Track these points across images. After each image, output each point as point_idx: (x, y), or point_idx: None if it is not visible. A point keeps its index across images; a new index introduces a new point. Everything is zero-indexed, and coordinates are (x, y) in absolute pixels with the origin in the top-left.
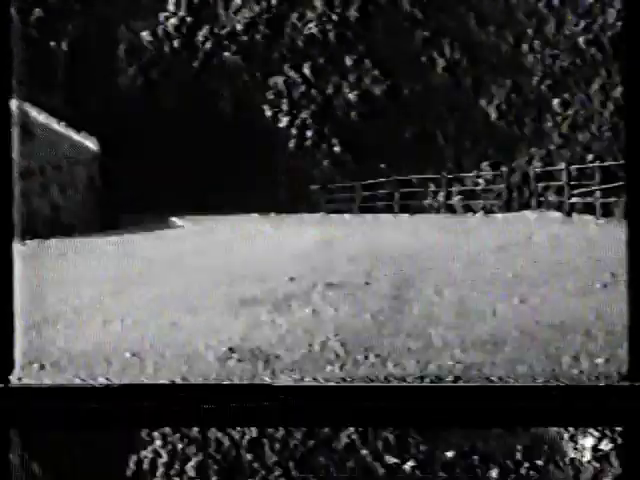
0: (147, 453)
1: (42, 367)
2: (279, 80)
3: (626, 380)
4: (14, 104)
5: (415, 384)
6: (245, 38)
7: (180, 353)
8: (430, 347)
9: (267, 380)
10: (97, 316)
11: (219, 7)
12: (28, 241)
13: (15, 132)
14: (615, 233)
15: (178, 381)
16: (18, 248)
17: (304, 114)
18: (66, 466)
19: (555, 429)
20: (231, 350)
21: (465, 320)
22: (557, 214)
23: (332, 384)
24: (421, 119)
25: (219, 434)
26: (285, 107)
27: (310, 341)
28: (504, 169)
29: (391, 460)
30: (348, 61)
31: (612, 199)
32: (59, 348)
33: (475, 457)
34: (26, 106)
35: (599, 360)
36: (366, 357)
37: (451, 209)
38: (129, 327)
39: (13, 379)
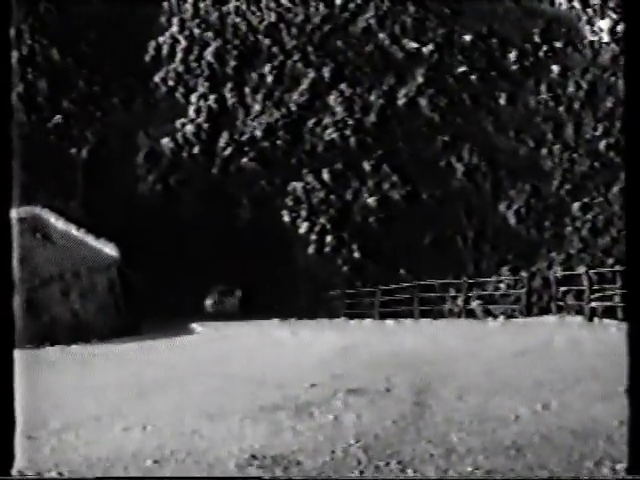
0: (165, 39)
1: (60, 474)
2: (298, 186)
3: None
4: (34, 210)
5: None
6: (265, 144)
7: (201, 460)
8: (452, 453)
9: None
10: (117, 423)
11: (239, 113)
12: (49, 347)
13: (35, 239)
14: None
15: None
16: (38, 355)
17: (323, 220)
18: None
19: (573, 11)
20: (253, 457)
21: (487, 426)
22: (578, 318)
23: None
24: (440, 224)
25: (238, 19)
26: (304, 213)
27: (332, 447)
28: (524, 274)
29: (410, 44)
30: (366, 166)
31: None
32: (79, 455)
33: (494, 40)
34: (45, 212)
35: (619, 466)
36: (387, 464)
37: (472, 314)
38: (149, 434)
39: None
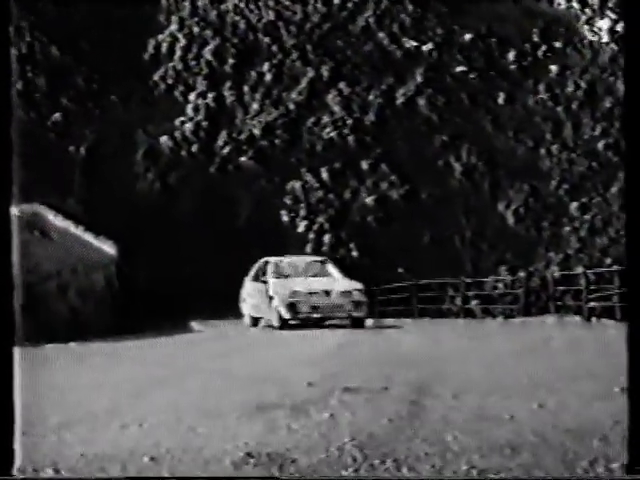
0: (164, 37)
1: (57, 472)
2: (297, 185)
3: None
4: (33, 208)
5: None
6: (264, 143)
7: (196, 457)
8: (447, 452)
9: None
10: (114, 420)
11: (237, 112)
12: (47, 345)
13: (33, 235)
14: None
15: None
16: (36, 352)
17: (321, 218)
18: None
19: (572, 11)
20: (248, 455)
21: (483, 425)
22: (576, 318)
23: None
24: (439, 223)
25: (236, 17)
26: (303, 212)
27: (327, 445)
28: (522, 274)
29: (409, 43)
30: (365, 165)
31: None
32: (76, 452)
33: (493, 39)
34: (43, 209)
35: (615, 465)
36: (382, 462)
37: (470, 313)
38: (146, 431)
39: None
